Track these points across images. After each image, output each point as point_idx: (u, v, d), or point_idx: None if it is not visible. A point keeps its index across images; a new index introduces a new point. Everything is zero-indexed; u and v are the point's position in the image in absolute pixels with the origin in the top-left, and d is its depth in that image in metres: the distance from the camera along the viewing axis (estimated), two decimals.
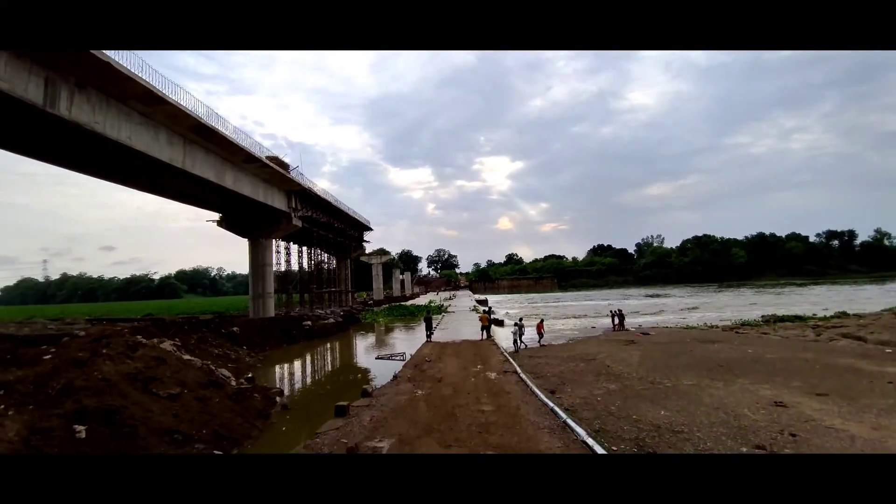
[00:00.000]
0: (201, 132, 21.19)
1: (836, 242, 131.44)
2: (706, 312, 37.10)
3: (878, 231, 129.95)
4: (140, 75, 16.47)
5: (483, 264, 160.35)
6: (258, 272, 31.69)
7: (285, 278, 43.07)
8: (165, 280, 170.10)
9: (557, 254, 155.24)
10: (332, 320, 33.64)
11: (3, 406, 7.28)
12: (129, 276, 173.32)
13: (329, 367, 20.42)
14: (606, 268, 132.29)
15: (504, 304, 61.34)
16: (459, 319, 32.85)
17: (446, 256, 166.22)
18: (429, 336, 21.52)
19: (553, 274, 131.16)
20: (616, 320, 25.64)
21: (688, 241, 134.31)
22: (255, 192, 28.33)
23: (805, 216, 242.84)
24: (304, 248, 46.03)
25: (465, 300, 63.99)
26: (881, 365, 12.23)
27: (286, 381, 17.14)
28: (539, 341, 20.02)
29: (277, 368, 19.24)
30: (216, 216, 32.45)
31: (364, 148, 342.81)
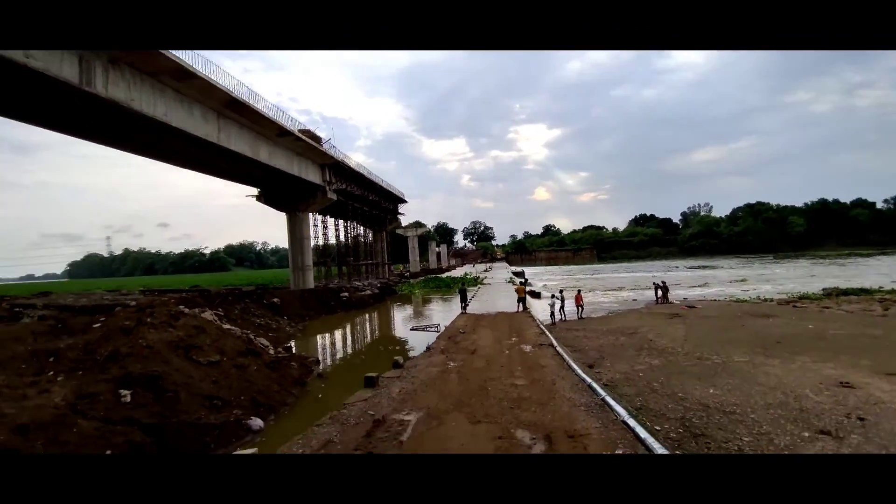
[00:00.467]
0: (234, 107, 21.41)
1: None
2: (758, 285, 34.83)
3: None
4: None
5: (519, 236, 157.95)
6: (297, 245, 32.57)
7: (324, 251, 44.11)
8: (215, 254, 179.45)
9: (597, 224, 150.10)
10: (368, 292, 34.20)
11: (52, 372, 7.67)
12: (182, 251, 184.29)
13: (365, 338, 20.78)
14: (649, 238, 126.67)
15: (541, 276, 60.29)
16: (495, 291, 32.53)
17: (482, 228, 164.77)
18: (464, 308, 21.41)
19: (592, 245, 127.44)
20: (659, 293, 24.47)
21: (739, 209, 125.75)
22: (290, 165, 28.65)
23: (871, 181, 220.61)
24: (341, 222, 46.74)
25: (501, 272, 63.43)
26: None
27: (324, 350, 17.55)
28: (578, 314, 19.43)
29: (316, 338, 19.75)
30: (255, 191, 33.36)
31: (398, 120, 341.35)
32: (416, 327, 20.18)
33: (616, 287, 38.29)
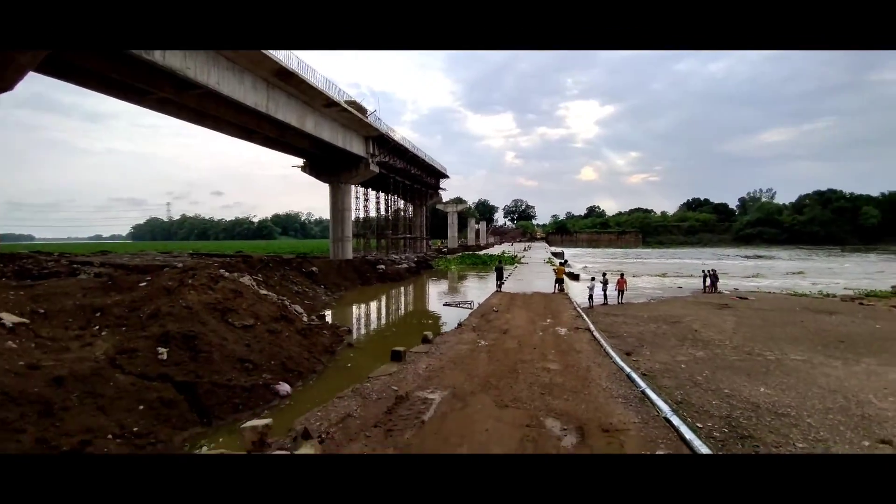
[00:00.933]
0: (283, 76, 21.56)
1: None
2: (821, 278, 32.12)
3: None
4: None
5: (561, 216, 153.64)
6: (338, 216, 33.10)
7: (364, 223, 44.68)
8: (263, 223, 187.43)
9: (645, 207, 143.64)
10: (405, 265, 34.41)
11: (97, 327, 8.00)
12: (233, 219, 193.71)
13: (398, 310, 20.90)
14: (700, 224, 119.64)
15: (581, 258, 58.54)
16: (532, 271, 31.88)
17: (523, 207, 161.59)
18: (499, 286, 21.04)
19: (638, 229, 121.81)
20: (708, 281, 23.02)
21: (806, 196, 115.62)
22: (335, 136, 28.79)
23: None
24: (382, 195, 46.97)
25: (540, 252, 62.16)
26: None
27: (357, 320, 17.78)
28: (618, 298, 18.60)
29: (351, 308, 20.05)
30: (301, 162, 33.94)
31: (445, 95, 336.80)
32: (449, 303, 20.04)
33: (660, 273, 36.52)
